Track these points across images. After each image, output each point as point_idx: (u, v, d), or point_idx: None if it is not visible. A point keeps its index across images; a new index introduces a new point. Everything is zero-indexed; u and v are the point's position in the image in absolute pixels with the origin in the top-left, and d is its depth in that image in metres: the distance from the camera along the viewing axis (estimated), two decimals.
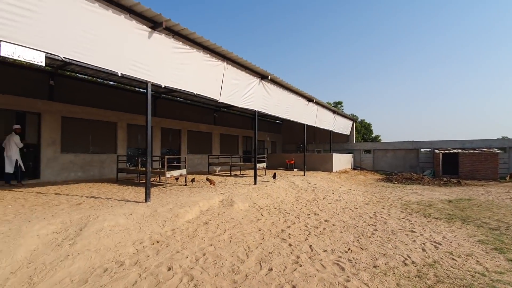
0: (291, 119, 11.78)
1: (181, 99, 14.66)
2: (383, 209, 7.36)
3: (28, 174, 9.08)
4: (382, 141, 32.42)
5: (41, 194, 6.88)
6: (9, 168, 7.81)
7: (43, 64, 4.14)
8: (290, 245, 4.45)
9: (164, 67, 5.92)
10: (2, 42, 3.71)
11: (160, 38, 5.76)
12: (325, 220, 6.09)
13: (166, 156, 8.52)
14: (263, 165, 12.52)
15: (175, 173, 8.75)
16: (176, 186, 8.72)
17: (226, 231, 5.02)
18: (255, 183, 9.48)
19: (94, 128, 11.14)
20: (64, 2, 4.27)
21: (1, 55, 3.71)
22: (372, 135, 35.09)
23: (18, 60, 7.68)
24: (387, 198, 9.15)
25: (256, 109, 9.46)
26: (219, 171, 12.55)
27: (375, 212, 6.97)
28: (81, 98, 10.98)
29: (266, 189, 8.70)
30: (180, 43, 6.22)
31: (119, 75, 5.12)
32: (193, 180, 9.43)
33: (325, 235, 5.02)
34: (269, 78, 9.42)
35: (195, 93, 6.81)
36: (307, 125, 13.40)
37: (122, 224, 4.75)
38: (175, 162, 12.78)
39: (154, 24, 5.55)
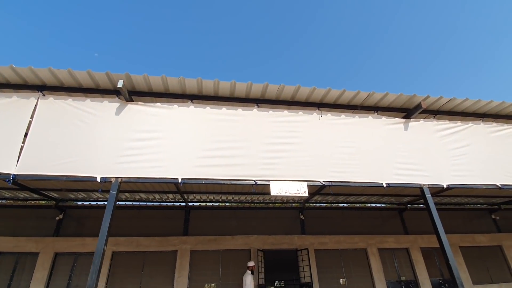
0: None
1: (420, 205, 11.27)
2: None
3: None
4: None
5: None
6: None
7: (306, 194, 3.67)
8: None
9: (437, 160, 4.10)
10: (271, 181, 3.68)
11: (418, 126, 4.29)
12: None
13: None
14: None
15: None
16: None
17: None
18: None
19: (345, 259, 9.93)
20: (314, 127, 4.06)
21: (272, 194, 3.62)
22: None
23: (279, 199, 8.92)
24: None
25: None
26: None
27: None
28: (327, 227, 10.68)
29: None
30: (447, 121, 4.40)
31: (384, 186, 3.85)
32: None
33: None
34: None
35: (499, 185, 4.13)
36: None
37: None
38: None
39: (407, 111, 4.32)
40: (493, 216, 11.64)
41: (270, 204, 10.60)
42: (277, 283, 12.23)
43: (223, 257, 9.39)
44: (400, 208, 11.21)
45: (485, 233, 11.03)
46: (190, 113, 3.76)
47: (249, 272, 6.98)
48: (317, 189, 7.89)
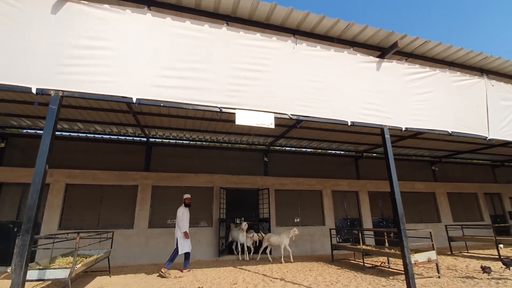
0: None
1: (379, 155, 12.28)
2: None
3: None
4: None
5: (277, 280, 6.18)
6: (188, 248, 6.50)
7: (272, 126, 3.57)
8: None
9: (400, 103, 4.19)
10: (237, 110, 3.48)
11: (390, 67, 4.23)
12: None
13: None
14: None
15: (421, 257, 5.93)
16: (428, 280, 5.73)
17: None
18: None
19: (301, 199, 10.72)
20: (287, 56, 3.78)
21: (237, 123, 3.46)
22: None
23: (251, 133, 8.94)
24: None
25: None
26: (501, 248, 7.64)
27: None
28: (288, 170, 11.20)
29: None
30: (417, 66, 4.41)
31: (349, 124, 3.89)
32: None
33: None
34: None
35: (449, 131, 4.42)
36: None
37: None
38: (393, 236, 9.73)
39: (382, 50, 4.19)
40: (433, 167, 13.11)
41: (236, 145, 10.63)
42: (237, 220, 13.03)
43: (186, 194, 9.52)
44: (356, 156, 12.04)
45: (424, 182, 12.51)
46: (147, 23, 3.19)
47: (183, 205, 7.09)
48: (282, 132, 7.94)
